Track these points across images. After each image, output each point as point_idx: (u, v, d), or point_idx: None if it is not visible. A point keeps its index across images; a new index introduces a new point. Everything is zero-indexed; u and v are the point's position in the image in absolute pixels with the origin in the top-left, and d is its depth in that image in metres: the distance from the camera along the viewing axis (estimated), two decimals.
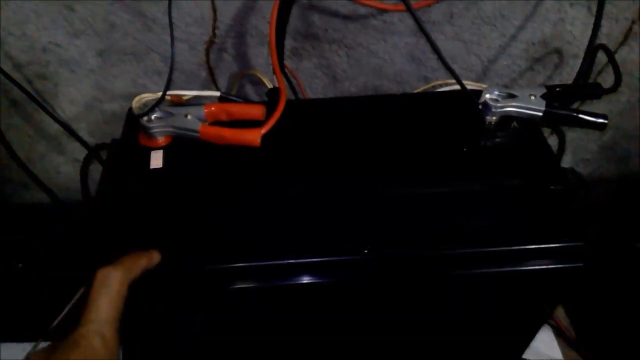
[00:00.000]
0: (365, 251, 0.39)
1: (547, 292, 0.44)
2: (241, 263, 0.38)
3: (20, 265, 0.72)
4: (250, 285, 0.39)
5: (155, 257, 0.39)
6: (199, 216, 0.41)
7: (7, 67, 0.59)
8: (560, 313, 0.67)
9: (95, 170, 0.68)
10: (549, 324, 0.66)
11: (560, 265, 0.40)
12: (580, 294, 0.60)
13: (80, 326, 0.33)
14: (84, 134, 0.68)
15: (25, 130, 0.69)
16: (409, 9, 0.43)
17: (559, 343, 0.65)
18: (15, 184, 0.76)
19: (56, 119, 0.63)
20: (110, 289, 0.35)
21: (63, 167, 0.74)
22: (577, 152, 0.77)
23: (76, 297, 0.61)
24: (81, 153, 0.70)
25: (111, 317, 0.34)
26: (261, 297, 0.41)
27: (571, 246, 0.39)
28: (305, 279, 0.39)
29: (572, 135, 0.73)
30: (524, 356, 0.56)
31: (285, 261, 0.39)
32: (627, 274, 0.68)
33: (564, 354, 0.63)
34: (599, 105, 0.68)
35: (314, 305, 0.44)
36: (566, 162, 0.77)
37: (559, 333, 0.66)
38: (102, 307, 0.34)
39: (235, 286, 0.39)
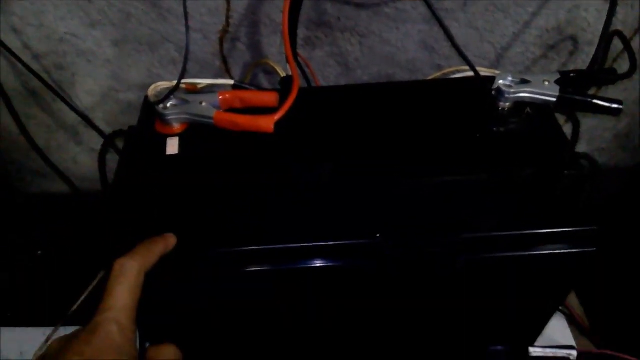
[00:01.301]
0: (378, 235, 0.39)
1: (560, 277, 0.44)
2: (254, 246, 0.39)
3: (39, 252, 0.73)
4: (264, 268, 0.40)
5: (171, 241, 0.39)
6: (214, 201, 0.42)
7: (26, 58, 0.60)
8: (573, 301, 0.67)
9: (111, 159, 0.69)
10: (563, 312, 0.66)
11: (573, 250, 0.40)
12: (594, 282, 0.60)
13: (98, 314, 0.34)
14: (100, 123, 0.69)
15: (43, 120, 0.70)
16: None
17: (572, 331, 0.64)
18: (34, 173, 0.78)
19: (74, 109, 0.64)
20: (127, 278, 0.35)
21: (80, 157, 0.76)
22: (593, 141, 0.76)
23: (94, 283, 0.62)
24: (98, 143, 0.71)
25: (128, 305, 0.35)
26: (274, 280, 0.42)
27: (584, 230, 0.39)
28: (318, 263, 0.40)
29: (588, 124, 0.73)
30: (536, 344, 0.57)
31: (298, 244, 0.39)
32: None
33: (577, 342, 0.63)
34: (614, 94, 0.67)
35: (326, 289, 0.44)
36: (581, 150, 0.76)
37: (572, 321, 0.65)
38: (119, 296, 0.35)
39: (249, 269, 0.40)
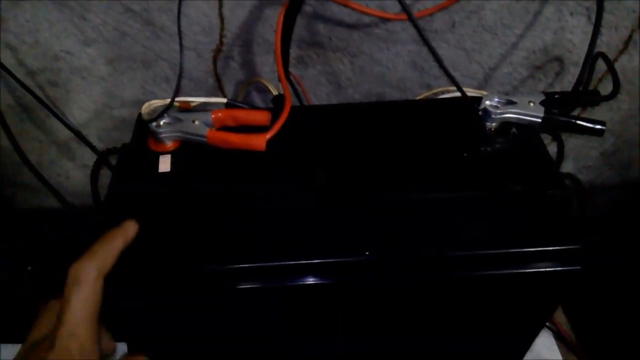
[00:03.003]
0: (367, 253, 0.40)
1: (545, 295, 0.45)
2: (245, 264, 0.40)
3: (29, 268, 0.73)
4: (254, 285, 0.40)
5: (130, 231, 0.37)
6: (205, 218, 0.43)
7: (20, 74, 0.60)
8: (561, 317, 0.68)
9: (103, 175, 0.70)
10: (550, 328, 0.66)
11: (557, 268, 0.41)
12: (581, 298, 0.60)
13: (57, 328, 0.33)
14: (93, 139, 0.69)
15: (36, 136, 0.70)
16: (410, 18, 0.44)
17: (559, 347, 0.65)
18: (26, 188, 0.78)
19: (67, 125, 0.65)
20: (82, 286, 0.33)
21: (73, 172, 0.76)
22: (579, 159, 0.77)
23: None
24: (90, 159, 0.72)
25: (85, 316, 0.33)
26: (264, 297, 0.42)
27: (568, 249, 0.40)
28: (308, 280, 0.40)
29: (574, 142, 0.74)
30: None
31: (289, 262, 0.40)
32: (628, 278, 0.68)
33: (564, 358, 0.64)
34: (600, 113, 0.69)
35: (316, 306, 0.45)
36: (568, 169, 0.78)
37: (559, 337, 0.66)
38: (74, 307, 0.33)
39: (239, 286, 0.40)
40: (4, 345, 0.65)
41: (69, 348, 0.32)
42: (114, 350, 0.40)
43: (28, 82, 0.61)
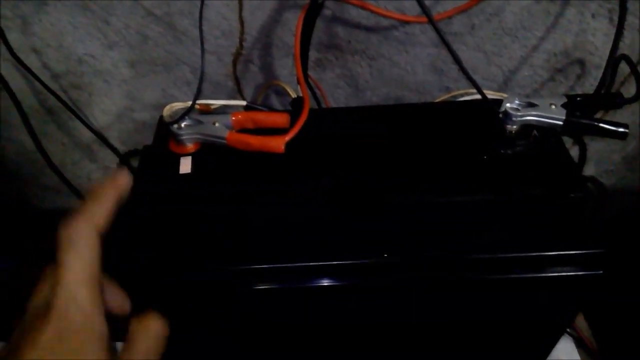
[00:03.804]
0: (385, 255, 0.40)
1: (566, 300, 0.44)
2: (265, 265, 0.40)
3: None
4: (273, 286, 0.40)
5: (122, 181, 0.34)
6: (225, 219, 0.43)
7: (45, 77, 0.62)
8: (582, 324, 0.67)
9: None
10: (571, 335, 0.65)
11: (579, 273, 0.40)
12: (603, 304, 0.59)
13: (51, 294, 0.30)
14: (115, 142, 0.71)
15: (59, 138, 0.71)
16: (430, 21, 0.44)
17: (580, 354, 0.64)
18: (49, 189, 0.79)
19: (89, 127, 0.66)
20: (78, 247, 0.30)
21: (94, 174, 0.77)
22: (601, 163, 0.76)
23: None
24: (112, 160, 0.73)
25: (85, 279, 0.30)
26: (283, 298, 0.42)
27: (590, 253, 0.40)
28: (326, 282, 0.40)
29: (596, 146, 0.73)
30: None
31: (307, 263, 0.40)
32: None
33: None
34: (623, 117, 0.68)
35: (333, 308, 0.45)
36: (589, 173, 0.77)
37: (580, 344, 0.65)
38: (72, 270, 0.30)
39: (257, 287, 0.40)
40: None
41: (68, 313, 0.29)
42: (127, 310, 0.36)
43: (52, 85, 0.62)
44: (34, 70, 0.60)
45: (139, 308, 0.37)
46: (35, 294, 0.33)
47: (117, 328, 0.35)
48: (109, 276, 0.35)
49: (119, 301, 0.36)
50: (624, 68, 0.53)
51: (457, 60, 0.44)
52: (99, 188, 0.34)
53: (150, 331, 0.35)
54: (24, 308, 0.32)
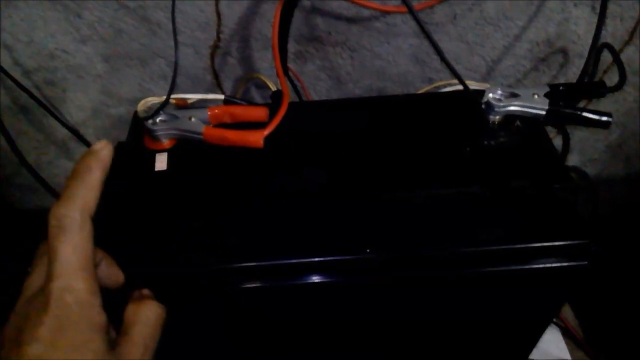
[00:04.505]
0: (368, 250, 0.39)
1: (552, 291, 0.44)
2: (244, 263, 0.39)
3: (29, 269, 0.72)
4: (253, 285, 0.39)
5: (105, 154, 0.33)
6: (202, 217, 0.42)
7: (16, 74, 0.60)
8: (568, 313, 0.67)
9: None
10: (557, 325, 0.65)
11: (564, 264, 0.40)
12: (588, 294, 0.59)
13: (46, 285, 0.29)
14: (91, 138, 0.69)
15: (34, 136, 0.70)
16: (410, 11, 0.43)
17: (567, 343, 0.64)
18: (25, 189, 0.77)
19: (65, 124, 0.64)
20: (68, 233, 0.29)
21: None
22: (585, 152, 0.76)
23: None
24: None
25: (79, 266, 0.29)
26: (264, 297, 0.41)
27: (576, 244, 0.39)
28: (308, 279, 0.39)
29: (579, 135, 0.73)
30: (531, 357, 0.56)
31: (288, 261, 0.39)
32: (635, 274, 0.67)
33: (571, 354, 0.63)
34: (605, 105, 0.68)
35: (316, 304, 0.44)
36: (573, 162, 0.77)
37: (566, 333, 0.65)
38: (65, 258, 0.29)
39: (237, 286, 0.39)
40: None
41: (64, 303, 0.28)
42: (121, 282, 0.36)
43: (24, 82, 0.60)
44: (4, 67, 0.58)
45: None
46: (27, 284, 0.32)
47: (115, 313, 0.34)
48: (100, 249, 0.34)
49: (113, 275, 0.35)
50: (605, 57, 0.53)
51: (438, 51, 0.44)
52: (83, 166, 0.32)
53: (147, 317, 0.34)
54: (16, 299, 0.32)
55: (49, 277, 0.29)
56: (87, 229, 0.30)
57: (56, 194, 0.70)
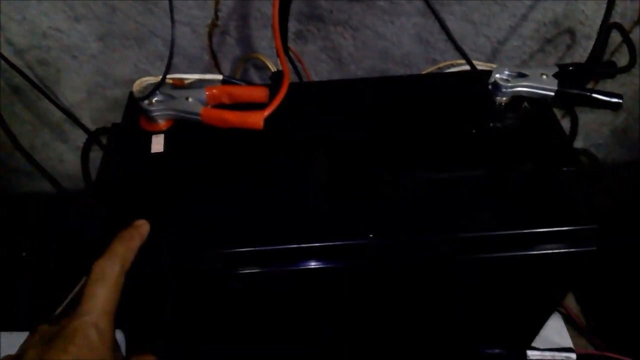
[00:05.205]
0: (371, 235, 0.38)
1: (559, 277, 0.43)
2: (244, 248, 0.38)
3: (24, 254, 0.71)
4: (253, 270, 0.38)
5: (144, 229, 0.38)
6: (200, 201, 0.41)
7: (9, 53, 0.58)
8: (570, 301, 0.66)
9: (98, 157, 0.68)
10: (559, 312, 0.64)
11: (572, 249, 0.39)
12: (591, 281, 0.58)
13: (76, 318, 0.33)
14: (86, 121, 0.67)
15: (27, 118, 0.68)
16: None
17: (569, 331, 0.63)
18: (19, 173, 0.76)
19: (59, 106, 0.63)
20: (107, 281, 0.34)
21: (66, 155, 0.74)
22: (589, 136, 0.75)
23: (79, 286, 0.61)
24: (84, 140, 0.69)
25: (108, 309, 0.34)
26: (265, 282, 0.40)
27: (584, 229, 0.38)
28: (310, 264, 0.38)
29: (584, 119, 0.72)
30: (533, 344, 0.55)
31: (289, 246, 0.38)
32: (638, 261, 0.67)
33: (574, 341, 0.62)
34: (612, 88, 0.66)
35: (318, 290, 0.43)
36: (578, 146, 0.76)
37: (569, 321, 0.64)
38: (98, 299, 0.34)
39: (237, 271, 0.38)
40: (3, 334, 0.64)
41: (91, 338, 0.33)
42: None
43: (17, 61, 0.59)
44: None
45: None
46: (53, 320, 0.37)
47: None
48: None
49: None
50: (614, 37, 0.51)
51: (445, 29, 0.42)
52: (127, 234, 0.37)
53: None
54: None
55: (78, 313, 0.33)
56: (121, 282, 0.35)
57: (51, 178, 0.69)
